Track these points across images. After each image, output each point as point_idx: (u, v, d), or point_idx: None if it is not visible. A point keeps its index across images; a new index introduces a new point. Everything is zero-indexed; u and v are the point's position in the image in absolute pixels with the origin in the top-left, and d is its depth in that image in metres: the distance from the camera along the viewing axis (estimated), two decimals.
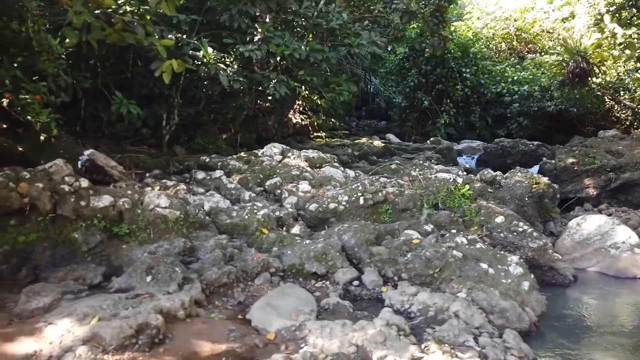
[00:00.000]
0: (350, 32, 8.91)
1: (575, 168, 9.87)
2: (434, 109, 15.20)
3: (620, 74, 14.29)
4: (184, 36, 7.04)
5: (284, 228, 5.31)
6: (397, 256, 4.51)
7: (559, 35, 15.95)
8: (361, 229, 4.88)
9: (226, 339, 3.43)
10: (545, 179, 8.13)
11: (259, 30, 7.83)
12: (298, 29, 9.13)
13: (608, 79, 14.77)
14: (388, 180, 5.87)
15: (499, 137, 13.48)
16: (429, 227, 4.99)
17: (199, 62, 6.86)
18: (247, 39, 7.91)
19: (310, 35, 9.48)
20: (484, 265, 4.10)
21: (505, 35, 17.90)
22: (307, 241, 4.84)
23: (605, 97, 14.77)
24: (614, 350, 3.58)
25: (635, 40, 10.66)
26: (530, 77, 15.82)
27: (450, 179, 5.78)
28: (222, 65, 6.99)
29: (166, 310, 3.47)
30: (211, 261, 4.34)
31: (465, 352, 3.12)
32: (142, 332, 3.17)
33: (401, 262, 4.43)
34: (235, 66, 7.65)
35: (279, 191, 6.01)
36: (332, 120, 12.91)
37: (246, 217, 5.12)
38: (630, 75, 13.70)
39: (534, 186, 7.60)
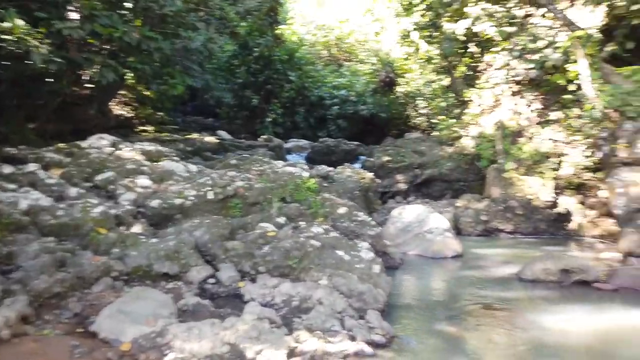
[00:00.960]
0: (186, 22, 8.48)
1: (390, 165, 11.10)
2: (262, 108, 15.47)
3: (419, 85, 16.58)
4: None
5: (123, 227, 4.78)
6: (253, 250, 4.44)
7: (371, 47, 17.74)
8: (214, 224, 4.67)
9: (70, 357, 2.93)
10: (369, 174, 8.97)
11: (79, 6, 6.88)
12: (124, 12, 8.29)
13: (409, 89, 17.02)
14: (237, 175, 5.75)
15: (320, 137, 14.43)
16: (281, 220, 5.04)
17: (4, 37, 5.70)
18: (64, 15, 6.88)
19: (139, 21, 8.73)
20: (340, 253, 4.31)
21: (326, 43, 19.20)
22: (154, 240, 4.44)
23: (407, 105, 16.99)
24: (447, 320, 4.10)
25: (434, 55, 12.44)
26: (348, 83, 17.26)
27: (296, 173, 5.94)
28: (35, 42, 5.93)
29: None
30: (38, 268, 3.64)
31: (335, 336, 3.23)
32: None
33: (258, 255, 4.37)
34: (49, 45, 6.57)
35: (112, 187, 5.38)
36: (160, 113, 12.10)
37: (78, 215, 4.44)
38: (427, 86, 16.00)
39: (361, 180, 8.33)
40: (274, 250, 4.35)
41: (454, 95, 12.26)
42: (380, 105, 16.24)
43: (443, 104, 12.80)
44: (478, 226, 8.34)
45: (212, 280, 4.24)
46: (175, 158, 6.48)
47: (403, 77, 16.48)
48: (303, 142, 13.53)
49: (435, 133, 12.62)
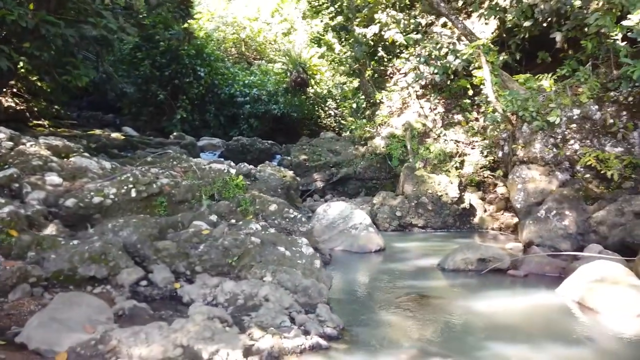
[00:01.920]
0: (90, 9, 7.82)
1: (307, 164, 11.23)
2: (170, 105, 14.77)
3: (329, 87, 16.96)
4: None
5: (34, 229, 4.29)
6: (188, 249, 4.22)
7: (282, 46, 17.76)
8: (142, 223, 4.36)
9: None
10: (290, 173, 8.97)
11: None
12: None
13: (319, 90, 17.33)
14: (161, 172, 5.42)
15: (232, 136, 14.13)
16: (213, 218, 4.85)
17: None
18: None
19: (32, 5, 7.90)
20: (282, 249, 4.25)
21: (235, 40, 18.84)
22: (75, 242, 4.04)
23: (318, 105, 17.30)
24: (386, 310, 4.25)
25: (346, 56, 12.76)
26: (259, 81, 17.10)
27: (224, 170, 5.75)
28: None
29: None
30: None
31: (289, 331, 3.19)
32: None
33: (194, 254, 4.17)
34: None
35: (17, 185, 4.78)
36: (56, 107, 10.98)
37: None
38: (337, 88, 16.43)
39: (284, 178, 8.31)
40: (210, 248, 4.18)
41: (364, 96, 12.68)
42: (291, 105, 16.32)
43: (354, 105, 13.19)
44: (393, 222, 8.72)
45: (144, 283, 3.96)
46: (86, 154, 5.95)
47: (314, 78, 16.74)
48: (216, 141, 13.16)
49: (346, 133, 12.98)
